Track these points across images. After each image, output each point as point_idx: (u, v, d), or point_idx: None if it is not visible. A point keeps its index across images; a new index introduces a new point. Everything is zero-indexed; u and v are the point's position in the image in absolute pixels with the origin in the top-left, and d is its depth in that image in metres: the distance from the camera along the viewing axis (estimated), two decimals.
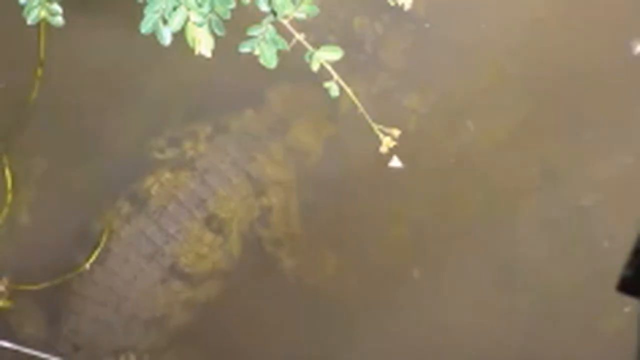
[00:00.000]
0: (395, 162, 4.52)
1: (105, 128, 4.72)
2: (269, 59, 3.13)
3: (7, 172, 4.64)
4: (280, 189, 4.69)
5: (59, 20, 3.22)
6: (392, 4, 3.31)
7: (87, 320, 4.50)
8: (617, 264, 4.61)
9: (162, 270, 4.52)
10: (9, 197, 4.61)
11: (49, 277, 4.52)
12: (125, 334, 4.52)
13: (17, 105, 4.70)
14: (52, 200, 4.67)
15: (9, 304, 4.53)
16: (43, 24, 4.58)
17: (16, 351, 4.24)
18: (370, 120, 3.22)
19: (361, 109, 3.29)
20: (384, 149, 3.41)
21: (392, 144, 3.37)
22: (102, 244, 4.52)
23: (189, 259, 4.55)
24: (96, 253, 4.51)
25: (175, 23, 3.06)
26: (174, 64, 4.62)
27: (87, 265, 4.51)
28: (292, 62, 3.57)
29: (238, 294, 4.64)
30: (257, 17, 3.18)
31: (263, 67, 3.17)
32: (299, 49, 3.19)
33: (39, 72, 4.69)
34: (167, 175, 4.60)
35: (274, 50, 3.13)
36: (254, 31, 3.14)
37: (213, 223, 4.57)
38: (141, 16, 3.06)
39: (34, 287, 4.52)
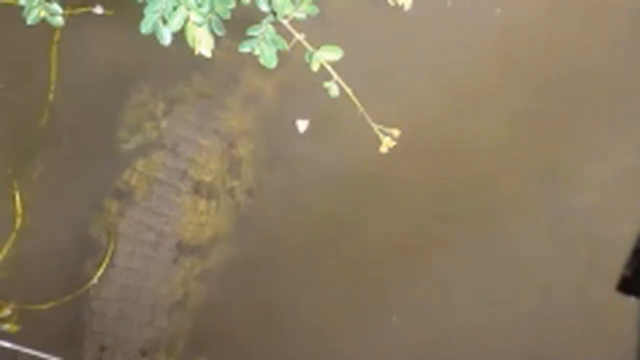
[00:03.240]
0: (302, 125, 4.59)
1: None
2: (269, 59, 3.12)
3: (18, 197, 4.66)
4: (248, 137, 4.73)
5: (58, 20, 3.22)
6: (392, 4, 3.31)
7: (110, 319, 4.51)
8: (617, 263, 4.62)
9: (170, 251, 4.53)
10: (18, 221, 4.63)
11: (59, 293, 4.54)
12: (150, 325, 4.53)
13: (26, 130, 4.74)
14: (46, 213, 4.69)
15: (15, 327, 4.54)
16: (55, 53, 4.67)
17: (16, 351, 4.25)
18: (370, 121, 3.22)
19: (361, 110, 3.29)
20: (383, 149, 3.41)
21: (392, 144, 3.37)
22: (107, 256, 4.53)
23: (192, 232, 4.56)
24: (103, 266, 4.53)
25: (175, 23, 3.06)
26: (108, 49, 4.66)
27: (96, 280, 4.53)
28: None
29: (246, 253, 4.66)
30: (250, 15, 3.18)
31: None
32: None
33: (50, 97, 4.73)
34: (141, 161, 4.60)
35: (273, 50, 3.13)
36: (253, 31, 3.14)
37: (201, 189, 4.58)
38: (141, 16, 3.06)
39: (43, 307, 4.54)
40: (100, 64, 4.75)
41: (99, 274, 4.51)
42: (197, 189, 4.57)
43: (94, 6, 4.76)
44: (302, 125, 4.76)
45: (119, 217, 4.54)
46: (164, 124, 4.66)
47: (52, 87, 4.76)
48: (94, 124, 4.75)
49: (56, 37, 4.77)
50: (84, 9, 4.79)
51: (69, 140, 4.74)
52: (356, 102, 3.22)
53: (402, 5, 3.13)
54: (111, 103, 4.77)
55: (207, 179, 4.59)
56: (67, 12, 4.71)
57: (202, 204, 4.58)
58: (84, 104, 4.77)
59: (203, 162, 4.60)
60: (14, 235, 4.62)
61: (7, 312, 4.54)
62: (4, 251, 4.60)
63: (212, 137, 4.65)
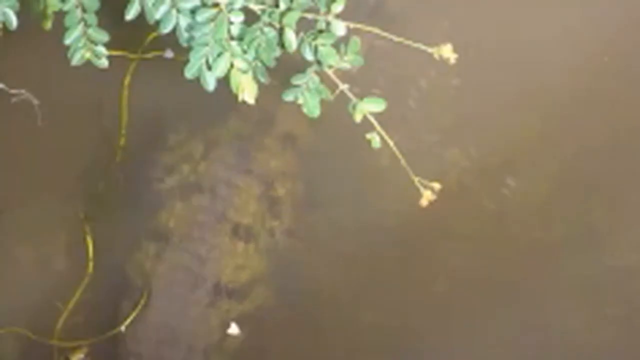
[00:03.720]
0: (234, 329, 4.56)
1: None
2: (312, 109, 3.11)
3: (89, 240, 4.69)
4: (287, 178, 4.69)
5: (104, 62, 3.22)
6: (437, 57, 3.29)
7: (146, 359, 4.49)
8: None
9: (207, 294, 4.51)
10: (90, 265, 4.66)
11: (96, 332, 4.55)
12: None
13: (100, 173, 4.78)
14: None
15: None
16: (126, 98, 4.73)
17: None
18: (411, 174, 3.19)
19: (402, 162, 3.26)
20: (424, 202, 3.37)
21: (433, 197, 3.33)
22: (144, 297, 4.53)
23: (229, 275, 4.54)
24: (138, 307, 4.53)
25: (220, 69, 3.05)
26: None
27: (123, 328, 4.53)
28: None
29: (284, 296, 4.63)
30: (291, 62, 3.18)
31: None
32: None
33: (122, 141, 4.77)
34: (179, 204, 4.60)
35: (317, 99, 3.12)
36: (298, 80, 3.13)
37: (240, 231, 4.56)
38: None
39: (85, 342, 4.55)
40: (167, 108, 4.78)
41: (134, 314, 4.50)
42: (236, 231, 4.56)
43: (164, 50, 4.80)
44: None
45: (156, 259, 4.53)
46: (202, 166, 4.66)
47: (123, 131, 4.79)
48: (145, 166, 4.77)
49: (126, 81, 4.82)
50: (154, 53, 4.83)
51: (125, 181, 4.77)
52: (398, 155, 3.19)
53: (448, 59, 3.10)
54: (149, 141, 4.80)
55: (246, 221, 4.58)
56: (137, 56, 4.76)
57: (240, 246, 4.56)
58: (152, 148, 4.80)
59: (241, 204, 4.59)
60: (86, 280, 4.65)
61: (80, 355, 4.55)
62: (77, 295, 4.63)
63: (250, 178, 4.63)
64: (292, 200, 4.72)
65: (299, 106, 3.13)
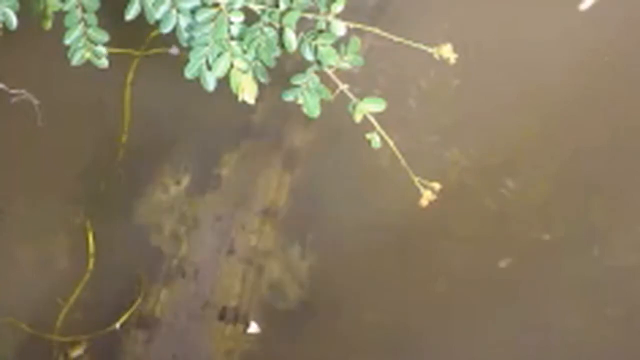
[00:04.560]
0: (254, 328, 4.53)
1: None
2: (312, 109, 3.11)
3: (90, 237, 4.69)
4: (272, 257, 4.63)
5: (104, 62, 3.22)
6: (437, 57, 3.30)
7: None
8: None
9: None
10: (91, 262, 4.65)
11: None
12: None
13: (101, 170, 4.78)
14: None
15: None
16: (129, 94, 4.72)
17: None
18: (411, 174, 3.19)
19: (402, 162, 3.26)
20: (424, 202, 3.37)
21: (433, 197, 3.33)
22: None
23: None
24: (130, 310, 4.53)
25: (220, 69, 3.05)
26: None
27: (117, 325, 4.53)
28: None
29: None
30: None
31: None
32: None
33: (123, 139, 4.77)
34: (164, 291, 4.57)
35: (317, 99, 3.12)
36: (298, 80, 3.13)
37: (227, 315, 4.52)
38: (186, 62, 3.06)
39: (84, 338, 4.55)
40: (170, 105, 4.77)
41: (130, 311, 4.50)
42: (222, 315, 4.52)
43: (170, 47, 4.79)
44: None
45: (145, 344, 4.51)
46: (183, 249, 4.62)
47: (126, 129, 4.79)
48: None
49: (129, 79, 4.81)
50: (159, 50, 4.83)
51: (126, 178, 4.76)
52: (398, 155, 3.20)
53: (448, 59, 3.10)
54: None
55: (232, 303, 4.54)
56: (141, 52, 4.76)
57: (229, 330, 4.52)
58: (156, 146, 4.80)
59: (225, 287, 4.55)
60: (87, 276, 4.65)
61: (78, 351, 4.55)
62: (77, 291, 4.63)
63: (231, 260, 4.59)
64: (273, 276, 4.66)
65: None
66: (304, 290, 4.60)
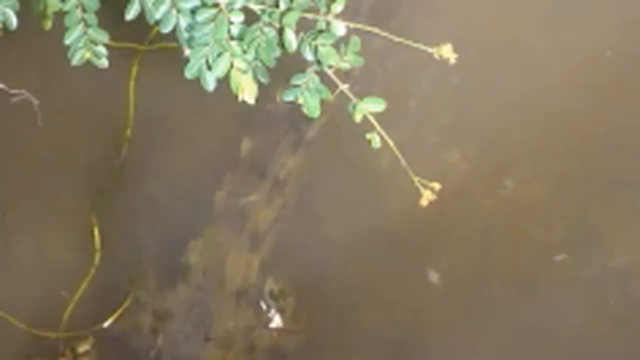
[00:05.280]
0: (277, 322, 4.52)
1: None
2: (312, 109, 3.11)
3: (96, 232, 4.68)
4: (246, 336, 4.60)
5: (104, 62, 3.22)
6: (437, 57, 3.29)
7: None
8: None
9: None
10: (97, 256, 4.65)
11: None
12: None
13: (106, 165, 4.78)
14: None
15: None
16: (132, 89, 4.71)
17: None
18: (411, 174, 3.19)
19: (402, 162, 3.26)
20: (424, 202, 3.37)
21: (433, 197, 3.33)
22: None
23: None
24: (123, 307, 4.53)
25: (220, 69, 3.06)
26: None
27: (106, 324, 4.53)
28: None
29: None
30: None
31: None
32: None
33: (128, 132, 4.77)
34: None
35: (317, 99, 3.11)
36: (298, 80, 3.13)
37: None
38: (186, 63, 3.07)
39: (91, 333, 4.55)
40: (174, 99, 4.76)
41: (123, 308, 4.50)
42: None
43: (179, 46, 4.78)
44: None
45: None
46: (159, 340, 4.59)
47: (130, 123, 4.79)
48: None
49: (133, 73, 4.81)
50: (162, 45, 4.83)
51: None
52: (398, 154, 3.19)
53: (448, 59, 3.10)
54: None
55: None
56: (145, 47, 4.76)
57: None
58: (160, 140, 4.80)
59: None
60: (93, 271, 4.65)
61: (86, 347, 4.55)
62: (83, 286, 4.63)
63: (209, 347, 4.55)
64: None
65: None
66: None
